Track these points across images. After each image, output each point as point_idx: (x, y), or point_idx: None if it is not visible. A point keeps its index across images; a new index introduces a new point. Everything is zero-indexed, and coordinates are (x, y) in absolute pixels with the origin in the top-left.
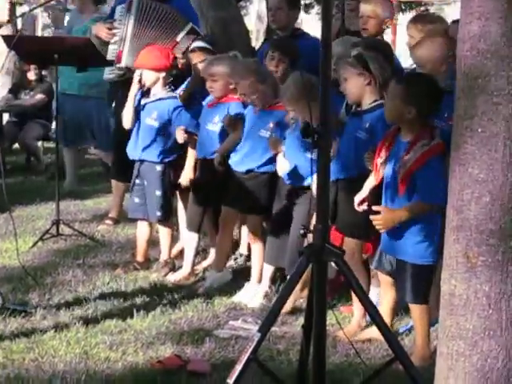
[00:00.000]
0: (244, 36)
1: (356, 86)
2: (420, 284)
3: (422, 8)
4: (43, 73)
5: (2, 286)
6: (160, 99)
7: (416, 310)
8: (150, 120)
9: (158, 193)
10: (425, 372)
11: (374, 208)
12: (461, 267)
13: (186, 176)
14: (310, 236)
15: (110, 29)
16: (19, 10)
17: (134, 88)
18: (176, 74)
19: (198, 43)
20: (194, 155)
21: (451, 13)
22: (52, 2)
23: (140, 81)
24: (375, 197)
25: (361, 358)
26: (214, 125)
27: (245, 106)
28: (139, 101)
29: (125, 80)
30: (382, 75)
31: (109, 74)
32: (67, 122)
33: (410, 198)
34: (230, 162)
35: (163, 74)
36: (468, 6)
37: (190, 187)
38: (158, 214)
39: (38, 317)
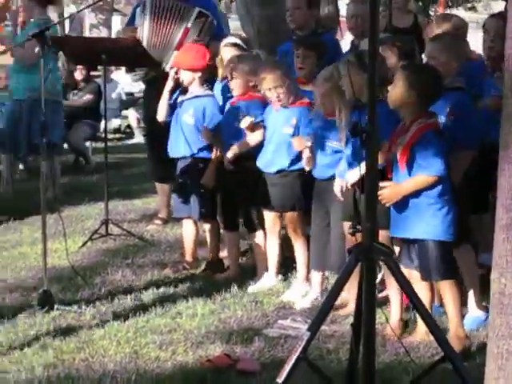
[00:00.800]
0: (291, 33)
1: (354, 84)
2: (441, 260)
3: (469, 5)
4: (92, 73)
5: (52, 286)
6: (196, 96)
7: (444, 286)
8: (188, 117)
9: (200, 189)
10: (474, 371)
11: (381, 184)
12: (510, 266)
13: (208, 176)
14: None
15: (133, 32)
16: (67, 11)
17: (170, 83)
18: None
19: (232, 39)
20: (216, 155)
21: (498, 9)
22: (99, 3)
23: (177, 78)
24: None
25: (410, 356)
26: (237, 123)
27: (265, 105)
28: (176, 98)
29: (149, 80)
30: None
31: (134, 75)
32: (5, 129)
33: (411, 172)
34: (258, 164)
35: (199, 74)
36: None
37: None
38: (203, 210)
39: (87, 317)
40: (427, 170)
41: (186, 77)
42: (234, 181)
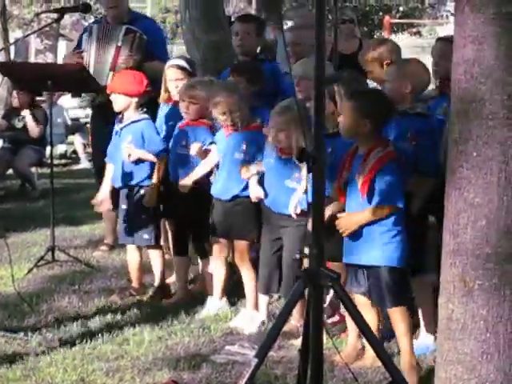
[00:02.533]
0: (236, 60)
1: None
2: (394, 286)
3: (414, 30)
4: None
5: None
6: (133, 122)
7: (395, 313)
8: (126, 144)
9: (144, 216)
10: None
11: (338, 215)
12: (458, 291)
13: (148, 198)
14: (306, 260)
15: (79, 58)
16: (12, 36)
17: None
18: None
19: (178, 61)
20: (157, 178)
21: (443, 34)
22: (45, 29)
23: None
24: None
25: (358, 382)
26: (183, 148)
27: (212, 131)
28: (114, 125)
29: (96, 105)
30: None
31: (81, 101)
32: None
33: (370, 202)
34: (212, 191)
35: (135, 99)
36: (462, 30)
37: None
38: (146, 237)
39: (34, 344)
40: (385, 201)
41: (120, 102)
42: (185, 205)
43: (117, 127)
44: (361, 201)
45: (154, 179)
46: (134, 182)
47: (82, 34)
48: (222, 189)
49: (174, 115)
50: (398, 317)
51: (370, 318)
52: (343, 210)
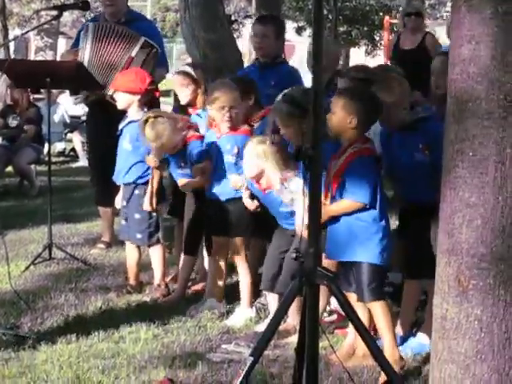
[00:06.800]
0: (236, 58)
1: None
2: (373, 281)
3: None
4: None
5: None
6: (132, 121)
7: (375, 307)
8: (126, 143)
9: (138, 216)
10: None
11: None
12: (452, 291)
13: (146, 201)
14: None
15: (75, 55)
16: (12, 34)
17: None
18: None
19: (184, 67)
20: (157, 178)
21: (443, 34)
22: (45, 26)
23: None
24: None
25: (354, 381)
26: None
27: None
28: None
29: (91, 102)
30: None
31: (75, 99)
32: None
33: (341, 196)
34: (206, 192)
35: (138, 97)
36: (458, 29)
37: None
38: (139, 236)
39: (29, 341)
40: (353, 196)
41: (123, 99)
42: (195, 206)
43: (120, 126)
44: (331, 194)
45: (153, 184)
46: (131, 180)
47: (80, 31)
48: (217, 190)
49: None
50: (378, 311)
51: (361, 315)
52: None
